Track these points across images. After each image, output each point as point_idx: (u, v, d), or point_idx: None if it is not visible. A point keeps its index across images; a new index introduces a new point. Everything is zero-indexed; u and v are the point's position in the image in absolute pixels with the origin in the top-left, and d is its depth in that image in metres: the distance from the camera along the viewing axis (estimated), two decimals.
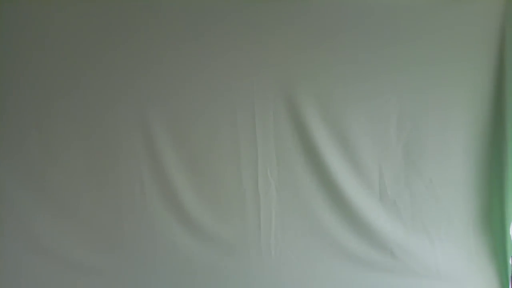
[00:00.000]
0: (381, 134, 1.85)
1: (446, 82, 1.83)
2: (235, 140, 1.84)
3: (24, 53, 1.78)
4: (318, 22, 1.82)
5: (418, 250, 1.85)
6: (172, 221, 1.83)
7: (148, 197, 1.83)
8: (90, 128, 1.81)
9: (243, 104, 1.84)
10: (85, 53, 1.80)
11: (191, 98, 1.83)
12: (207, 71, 1.82)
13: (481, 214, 1.87)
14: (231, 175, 1.85)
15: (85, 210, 1.82)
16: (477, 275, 1.86)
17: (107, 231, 1.83)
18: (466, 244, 1.86)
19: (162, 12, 1.81)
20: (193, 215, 1.83)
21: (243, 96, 1.84)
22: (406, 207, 1.86)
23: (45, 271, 1.81)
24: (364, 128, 1.85)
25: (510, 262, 1.83)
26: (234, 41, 1.82)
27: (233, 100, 1.84)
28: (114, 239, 1.83)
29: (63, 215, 1.82)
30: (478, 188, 1.86)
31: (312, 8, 1.82)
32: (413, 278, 1.85)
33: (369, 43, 1.83)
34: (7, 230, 1.81)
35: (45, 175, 1.81)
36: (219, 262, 1.83)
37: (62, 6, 1.79)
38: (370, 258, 1.86)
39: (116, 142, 1.82)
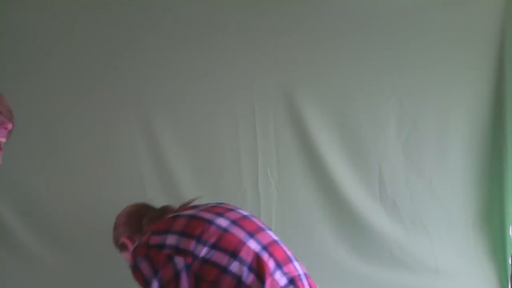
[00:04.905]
0: (381, 133, 1.86)
1: (446, 82, 1.84)
2: (236, 140, 1.84)
3: (26, 53, 1.78)
4: (318, 24, 1.83)
5: (418, 250, 1.85)
6: None
7: (148, 198, 1.82)
8: (92, 127, 1.80)
9: (244, 104, 1.85)
10: (88, 54, 1.80)
11: (192, 98, 1.83)
12: (208, 71, 1.82)
13: (480, 213, 1.87)
14: (231, 174, 1.84)
15: (85, 206, 1.81)
16: (476, 274, 1.86)
17: (106, 228, 1.82)
18: (465, 244, 1.87)
19: (165, 15, 1.81)
20: None
21: (244, 96, 1.84)
22: (406, 207, 1.86)
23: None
24: (364, 128, 1.85)
25: (509, 261, 1.83)
26: (235, 41, 1.83)
27: (233, 100, 1.84)
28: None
29: (62, 212, 1.82)
30: (477, 188, 1.86)
31: (312, 9, 1.82)
32: (412, 278, 1.84)
33: (369, 44, 1.83)
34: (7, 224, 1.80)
35: (45, 173, 1.80)
36: None
37: (65, 6, 1.79)
38: (369, 257, 1.85)
39: (117, 141, 1.81)
